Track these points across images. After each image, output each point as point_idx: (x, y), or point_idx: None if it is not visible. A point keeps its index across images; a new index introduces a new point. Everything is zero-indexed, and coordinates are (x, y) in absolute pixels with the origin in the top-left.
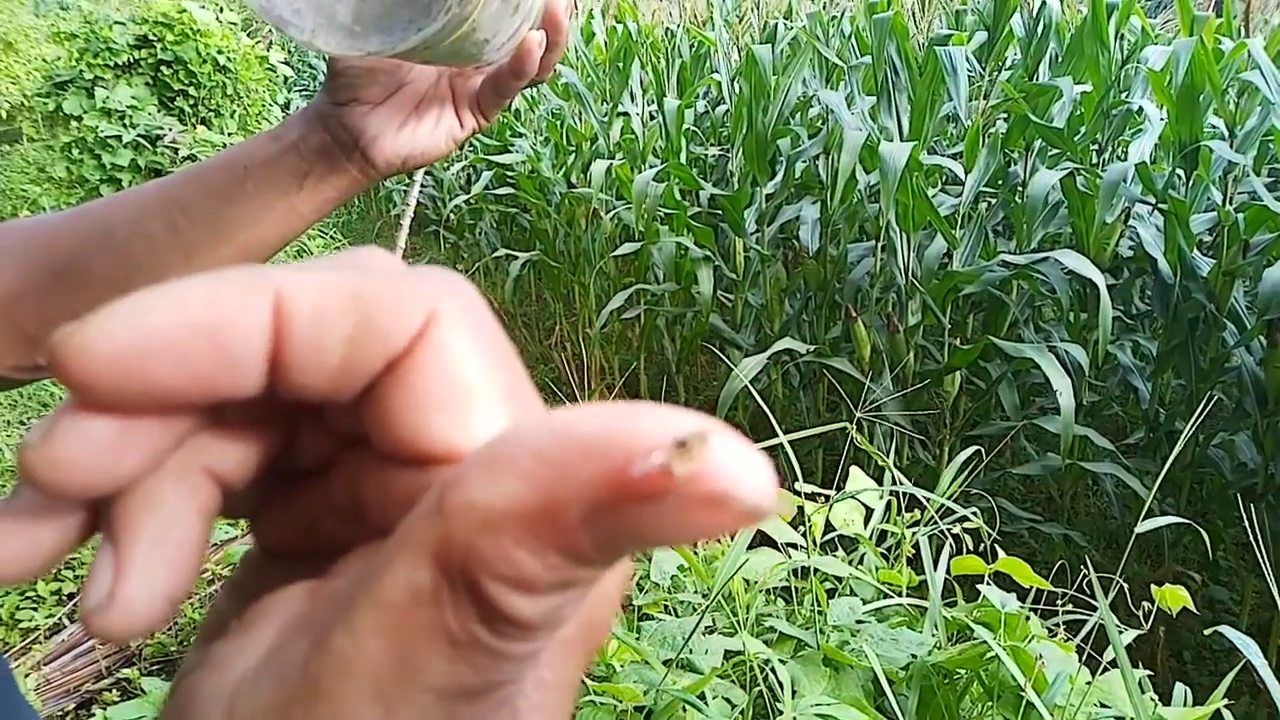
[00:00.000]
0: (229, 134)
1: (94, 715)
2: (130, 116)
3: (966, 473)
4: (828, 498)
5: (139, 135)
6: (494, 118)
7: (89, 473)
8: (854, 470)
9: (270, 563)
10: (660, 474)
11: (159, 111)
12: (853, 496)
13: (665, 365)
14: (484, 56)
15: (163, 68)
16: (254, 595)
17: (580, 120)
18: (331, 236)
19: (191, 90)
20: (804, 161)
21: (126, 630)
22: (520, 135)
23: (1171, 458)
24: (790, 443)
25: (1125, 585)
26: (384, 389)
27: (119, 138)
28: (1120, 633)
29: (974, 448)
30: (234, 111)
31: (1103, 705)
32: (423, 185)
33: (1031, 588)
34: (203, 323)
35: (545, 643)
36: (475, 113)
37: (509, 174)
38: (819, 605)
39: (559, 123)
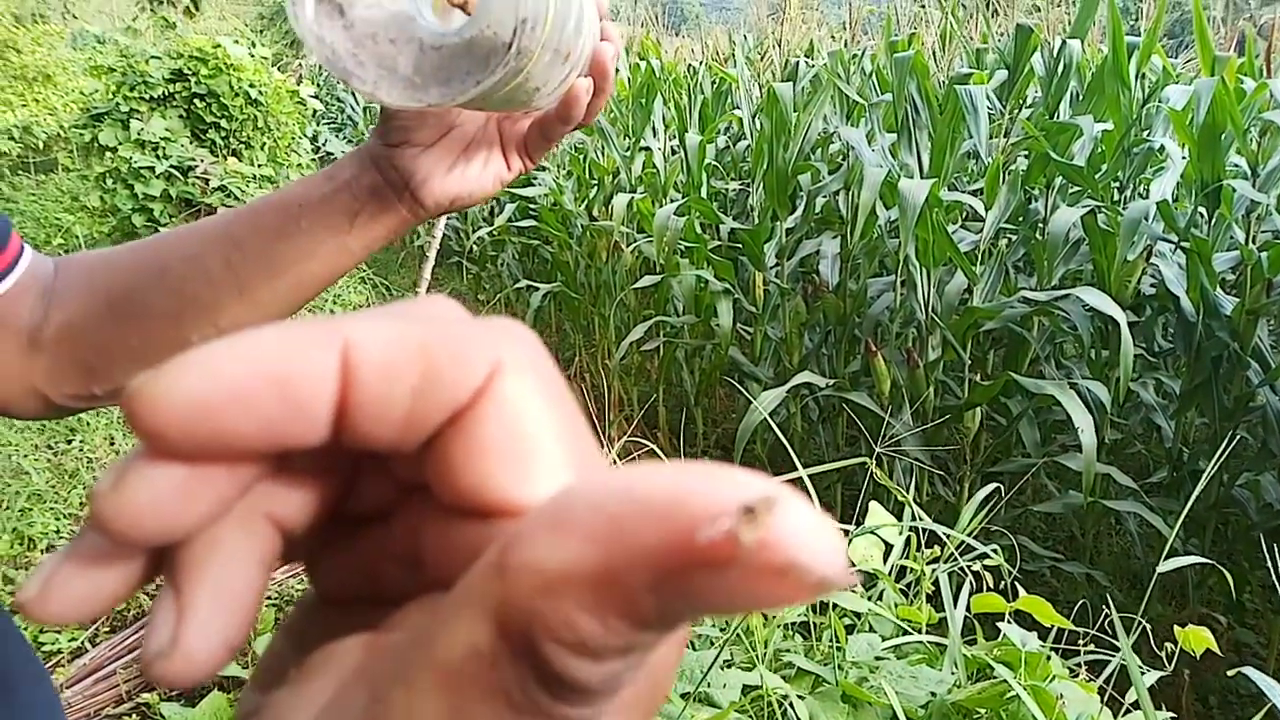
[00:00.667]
0: (259, 165)
1: None
2: (163, 148)
3: (987, 510)
4: (847, 533)
5: (171, 166)
6: (540, 160)
7: (158, 520)
8: (873, 505)
9: (327, 609)
10: (726, 541)
11: (191, 143)
12: (872, 532)
13: (684, 397)
14: (534, 103)
15: (196, 101)
16: (311, 641)
17: (603, 154)
18: (357, 268)
19: (224, 123)
20: (824, 197)
21: (187, 677)
22: (543, 169)
23: (1194, 497)
24: (809, 477)
25: (1149, 626)
26: (447, 440)
27: (152, 169)
28: (1143, 674)
29: (994, 484)
30: (264, 144)
31: None
32: (447, 218)
33: (1053, 627)
34: (273, 374)
35: (605, 707)
36: (522, 155)
37: (532, 206)
38: (837, 641)
39: (582, 156)
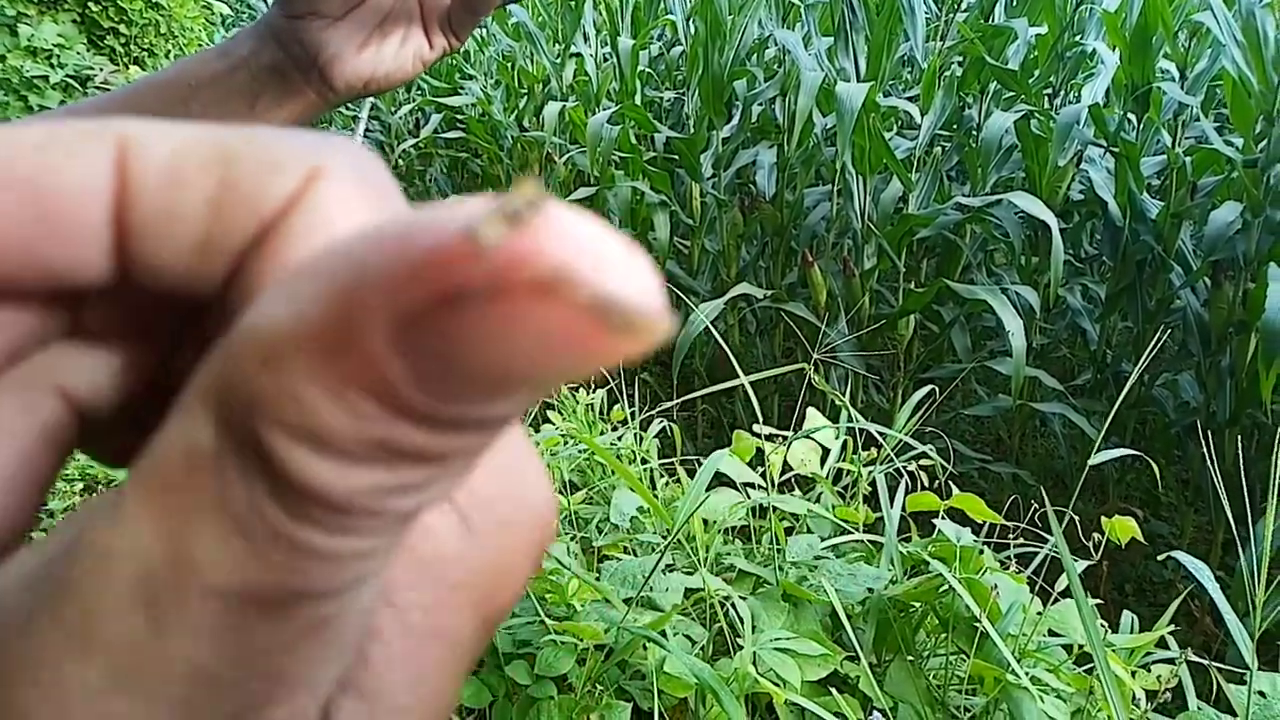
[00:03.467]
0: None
1: None
2: (58, 55)
3: (920, 413)
4: (785, 439)
5: (68, 76)
6: (466, 38)
7: None
8: (810, 411)
9: None
10: (464, 244)
11: (88, 51)
12: (809, 436)
13: None
14: None
15: (90, 4)
16: None
17: (532, 61)
18: None
19: (122, 28)
20: (760, 104)
21: None
22: (470, 77)
23: (1120, 398)
24: (750, 386)
25: (1076, 519)
26: (252, 267)
27: (46, 78)
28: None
29: (929, 387)
30: (168, 51)
31: (1052, 634)
32: (368, 129)
33: (985, 523)
34: (23, 176)
35: (380, 546)
36: (446, 32)
37: (459, 117)
38: (778, 543)
39: (510, 64)
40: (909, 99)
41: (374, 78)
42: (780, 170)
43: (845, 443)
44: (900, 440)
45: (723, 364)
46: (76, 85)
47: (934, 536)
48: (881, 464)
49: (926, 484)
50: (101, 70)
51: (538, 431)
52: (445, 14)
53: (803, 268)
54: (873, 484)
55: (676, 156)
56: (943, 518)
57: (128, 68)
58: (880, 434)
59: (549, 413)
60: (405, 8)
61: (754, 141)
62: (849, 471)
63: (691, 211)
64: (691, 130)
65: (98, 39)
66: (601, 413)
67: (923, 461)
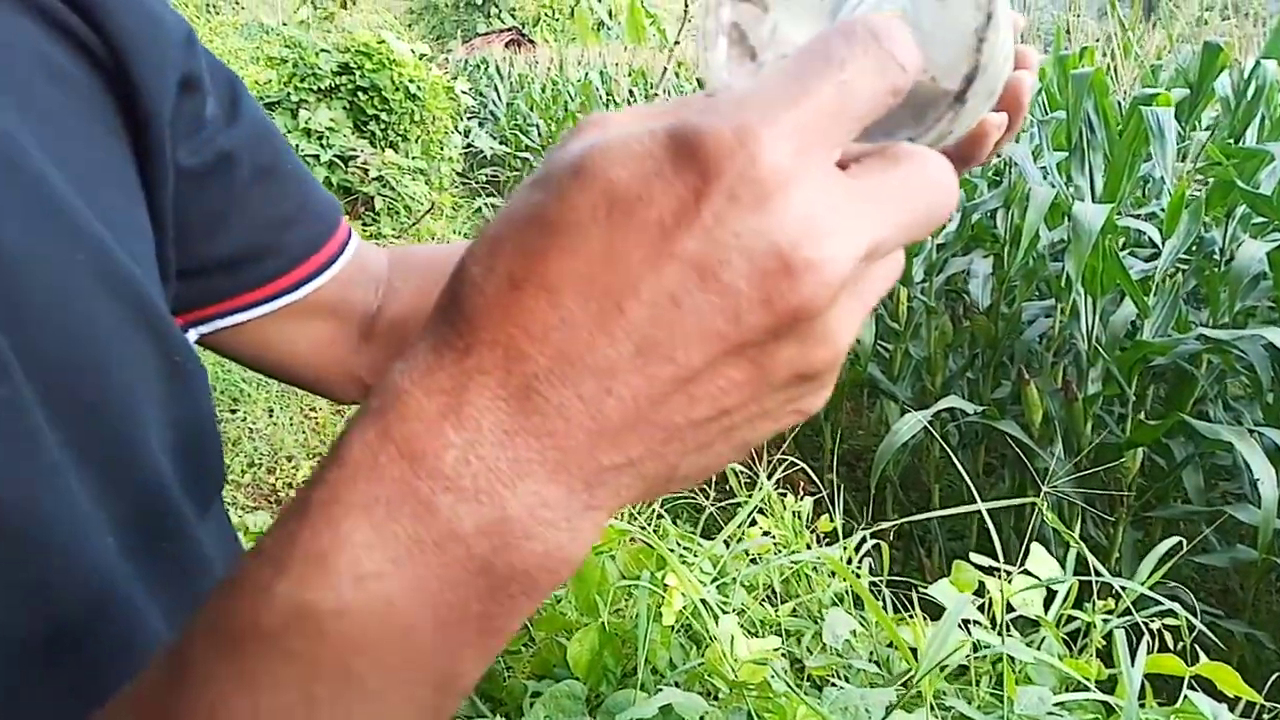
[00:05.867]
0: (413, 158)
1: None
2: (328, 137)
3: (1163, 564)
4: (1009, 574)
5: (335, 155)
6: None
7: None
8: (1036, 547)
9: None
10: None
11: (353, 134)
12: (1045, 584)
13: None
14: (942, 144)
15: (359, 93)
16: None
17: None
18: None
19: (384, 115)
20: (979, 213)
21: None
22: None
23: None
24: (954, 510)
25: None
26: None
27: (317, 157)
28: None
29: (1175, 539)
30: (418, 136)
31: None
32: None
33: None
34: None
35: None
36: None
37: None
38: (1005, 691)
39: None
40: (1143, 217)
41: None
42: (998, 282)
43: (1071, 586)
44: (1143, 590)
45: (915, 475)
46: (340, 163)
47: (1179, 706)
48: (1119, 615)
49: (1170, 644)
50: (362, 152)
51: (745, 536)
52: None
53: (1018, 385)
54: (1105, 637)
55: None
56: (1191, 685)
57: (384, 150)
58: (1121, 585)
59: (758, 516)
60: None
61: (968, 249)
62: (1074, 618)
63: (897, 315)
64: None
65: (362, 124)
66: (806, 522)
67: (1165, 620)
